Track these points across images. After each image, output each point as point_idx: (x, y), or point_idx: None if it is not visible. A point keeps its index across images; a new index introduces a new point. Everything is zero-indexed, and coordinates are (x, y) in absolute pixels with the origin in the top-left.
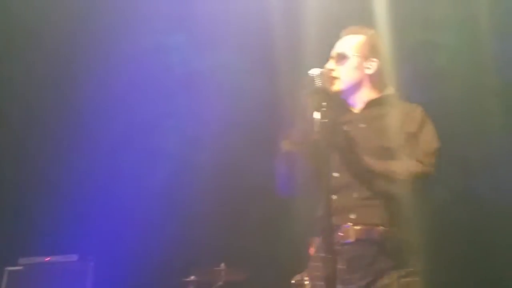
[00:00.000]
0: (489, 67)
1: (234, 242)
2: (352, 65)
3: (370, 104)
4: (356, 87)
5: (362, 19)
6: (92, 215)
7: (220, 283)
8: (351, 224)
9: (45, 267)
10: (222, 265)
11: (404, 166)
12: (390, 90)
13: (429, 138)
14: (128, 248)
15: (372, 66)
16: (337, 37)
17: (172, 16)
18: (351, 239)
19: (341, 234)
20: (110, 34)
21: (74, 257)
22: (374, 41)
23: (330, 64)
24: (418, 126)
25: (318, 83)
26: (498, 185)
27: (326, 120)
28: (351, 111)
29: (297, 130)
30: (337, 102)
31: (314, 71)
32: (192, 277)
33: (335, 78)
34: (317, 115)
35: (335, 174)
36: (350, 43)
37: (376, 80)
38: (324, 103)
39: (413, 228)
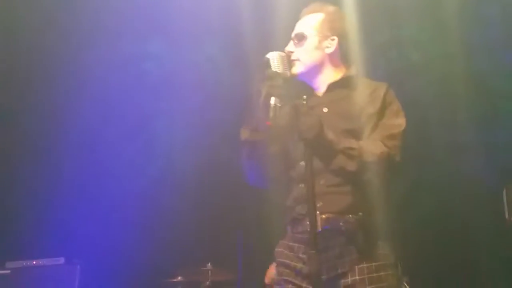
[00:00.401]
0: (460, 58)
1: (220, 241)
2: (311, 45)
3: (332, 87)
4: (317, 68)
5: None
6: (78, 218)
7: (207, 282)
8: (318, 212)
9: (32, 271)
10: (209, 265)
11: (366, 146)
12: (354, 70)
13: (392, 120)
14: (115, 250)
15: (332, 45)
16: None
17: (149, 20)
18: (318, 229)
19: (308, 223)
20: (86, 39)
21: (61, 260)
22: (333, 18)
23: (290, 47)
24: (380, 106)
25: (275, 66)
26: (468, 172)
27: (280, 105)
28: (315, 95)
29: (254, 116)
30: (300, 87)
31: (271, 55)
32: (179, 278)
33: (294, 60)
34: (273, 100)
35: (301, 163)
36: (309, 23)
37: (337, 59)
38: (280, 87)
39: (383, 217)
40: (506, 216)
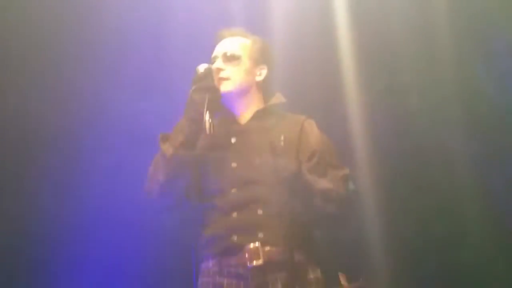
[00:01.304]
0: (461, 102)
1: None
2: (243, 68)
3: (258, 115)
4: (244, 92)
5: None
6: (84, 260)
7: None
8: (259, 244)
9: None
10: None
11: (336, 186)
12: (278, 99)
13: (335, 160)
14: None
15: (262, 74)
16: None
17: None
18: (260, 262)
19: (247, 255)
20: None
21: None
22: (263, 47)
23: (219, 64)
24: (320, 142)
25: (210, 80)
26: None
27: (212, 121)
28: (236, 122)
29: (183, 131)
30: (223, 109)
31: (204, 66)
32: None
33: (224, 78)
34: (207, 115)
35: (233, 190)
36: (240, 45)
37: (264, 88)
38: (217, 102)
39: (333, 251)
40: None
